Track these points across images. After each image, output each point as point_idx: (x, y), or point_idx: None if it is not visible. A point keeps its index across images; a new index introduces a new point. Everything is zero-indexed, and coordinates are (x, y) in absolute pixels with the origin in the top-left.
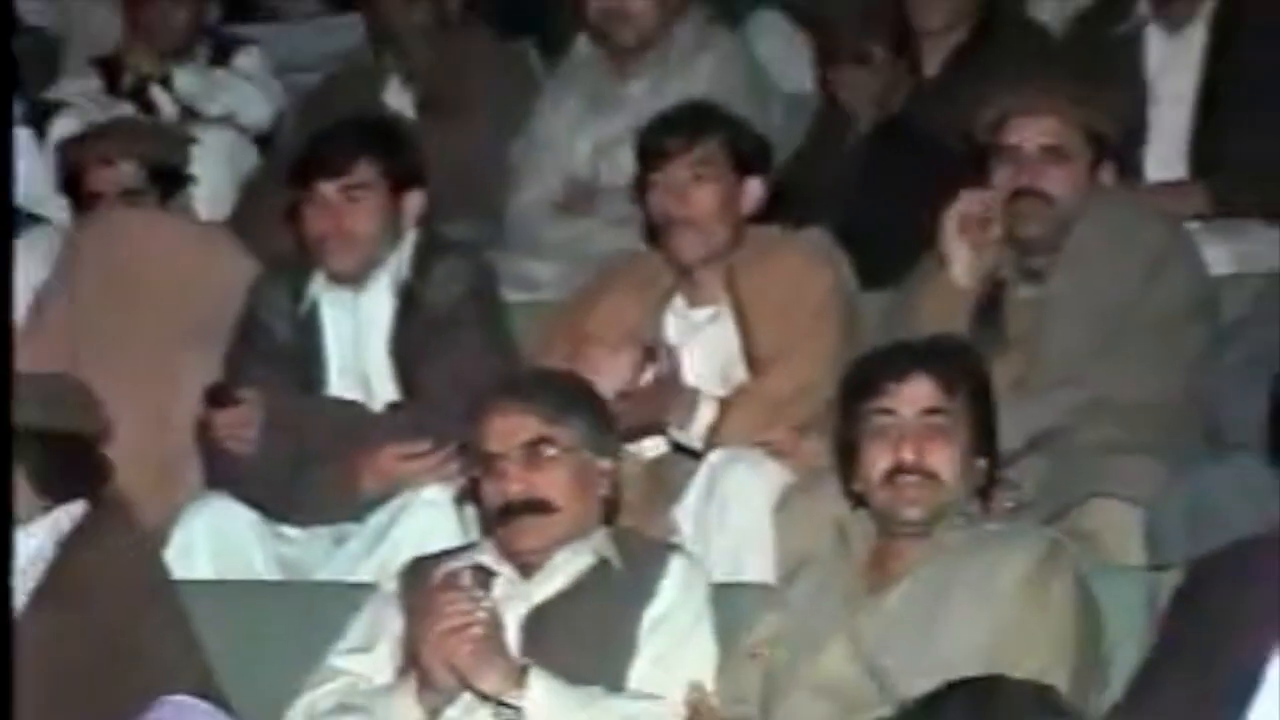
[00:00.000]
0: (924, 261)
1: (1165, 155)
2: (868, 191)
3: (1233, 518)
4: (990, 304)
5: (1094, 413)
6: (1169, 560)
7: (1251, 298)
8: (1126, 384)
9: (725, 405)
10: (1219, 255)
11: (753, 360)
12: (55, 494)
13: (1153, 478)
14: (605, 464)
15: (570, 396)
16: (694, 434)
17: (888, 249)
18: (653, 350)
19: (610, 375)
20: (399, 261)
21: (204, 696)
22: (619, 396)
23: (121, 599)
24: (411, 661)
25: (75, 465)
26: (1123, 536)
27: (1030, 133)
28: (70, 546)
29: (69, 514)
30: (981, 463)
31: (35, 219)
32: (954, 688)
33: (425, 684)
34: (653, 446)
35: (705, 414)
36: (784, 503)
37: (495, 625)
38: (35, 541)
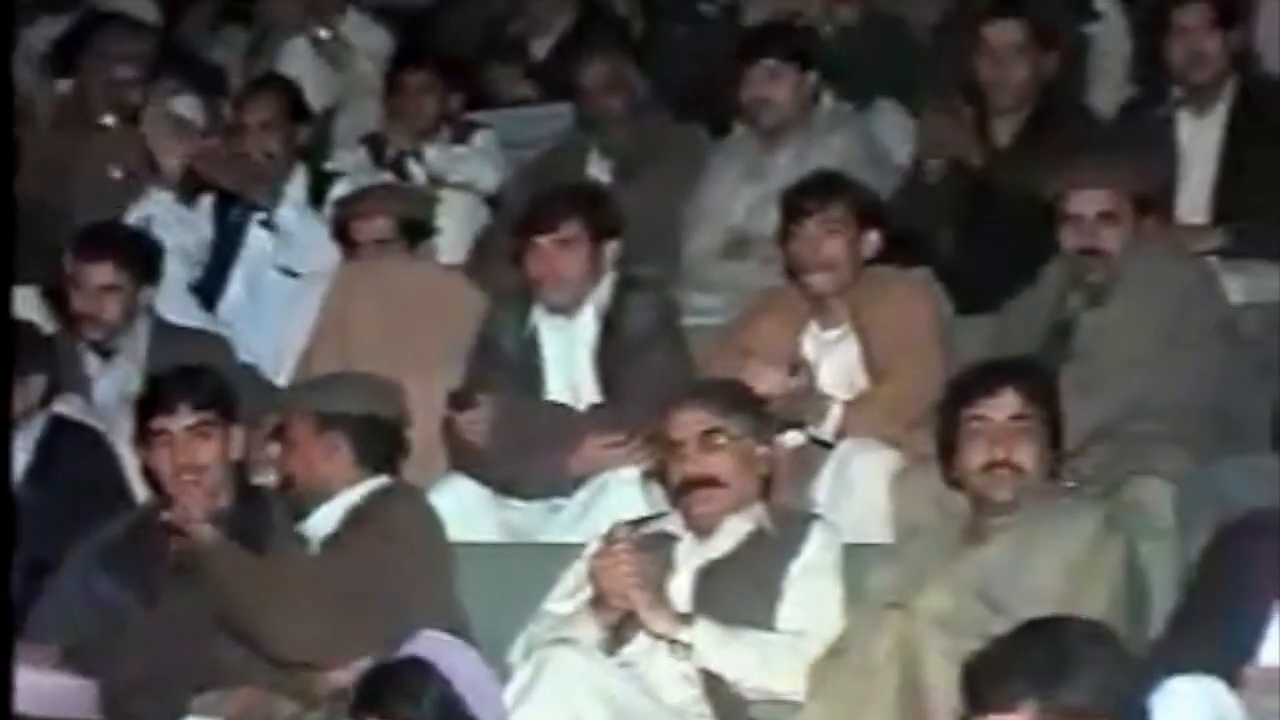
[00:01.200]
0: (1015, 294)
1: (1192, 208)
2: (962, 240)
3: (1246, 496)
4: (1062, 326)
5: (1139, 411)
6: (1196, 525)
7: (1259, 321)
8: (1164, 389)
9: (850, 407)
10: (1235, 287)
11: (872, 371)
12: (368, 465)
13: (1182, 461)
14: (763, 450)
15: (735, 397)
16: (826, 430)
17: (979, 285)
18: (795, 366)
19: (764, 383)
20: (601, 295)
21: (454, 634)
22: (771, 400)
23: (409, 553)
24: (597, 601)
25: (385, 443)
26: (1159, 506)
27: (1089, 203)
28: (373, 507)
29: (357, 492)
30: (1052, 454)
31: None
32: (1029, 627)
33: (604, 616)
34: (795, 438)
35: (834, 415)
36: (897, 481)
37: (659, 580)
38: (329, 509)
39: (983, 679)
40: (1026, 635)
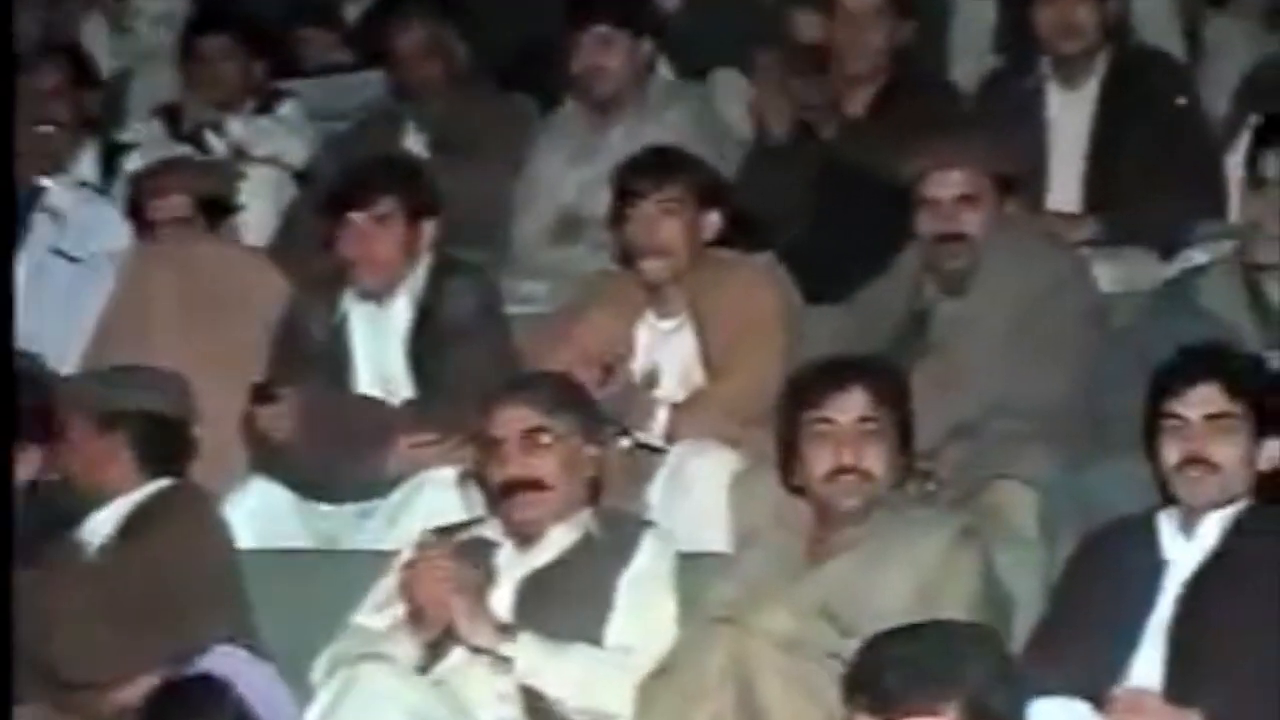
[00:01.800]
0: (868, 283)
1: (1062, 189)
2: (812, 223)
3: (1115, 502)
4: (918, 317)
5: (1000, 409)
6: (1058, 533)
7: (1133, 312)
8: (1028, 385)
9: (682, 408)
10: (1107, 275)
11: (709, 366)
12: (151, 466)
13: (1048, 463)
14: (592, 451)
15: (561, 392)
16: (653, 433)
17: (829, 272)
18: (609, 366)
19: (588, 379)
20: (416, 280)
21: (248, 648)
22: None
23: (193, 560)
24: (413, 614)
25: (169, 443)
26: (1021, 512)
27: (947, 185)
28: (152, 511)
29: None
30: (902, 458)
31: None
32: (920, 628)
33: (422, 632)
34: (628, 439)
35: (662, 417)
36: (736, 484)
37: (480, 589)
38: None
39: (892, 680)
40: (900, 634)
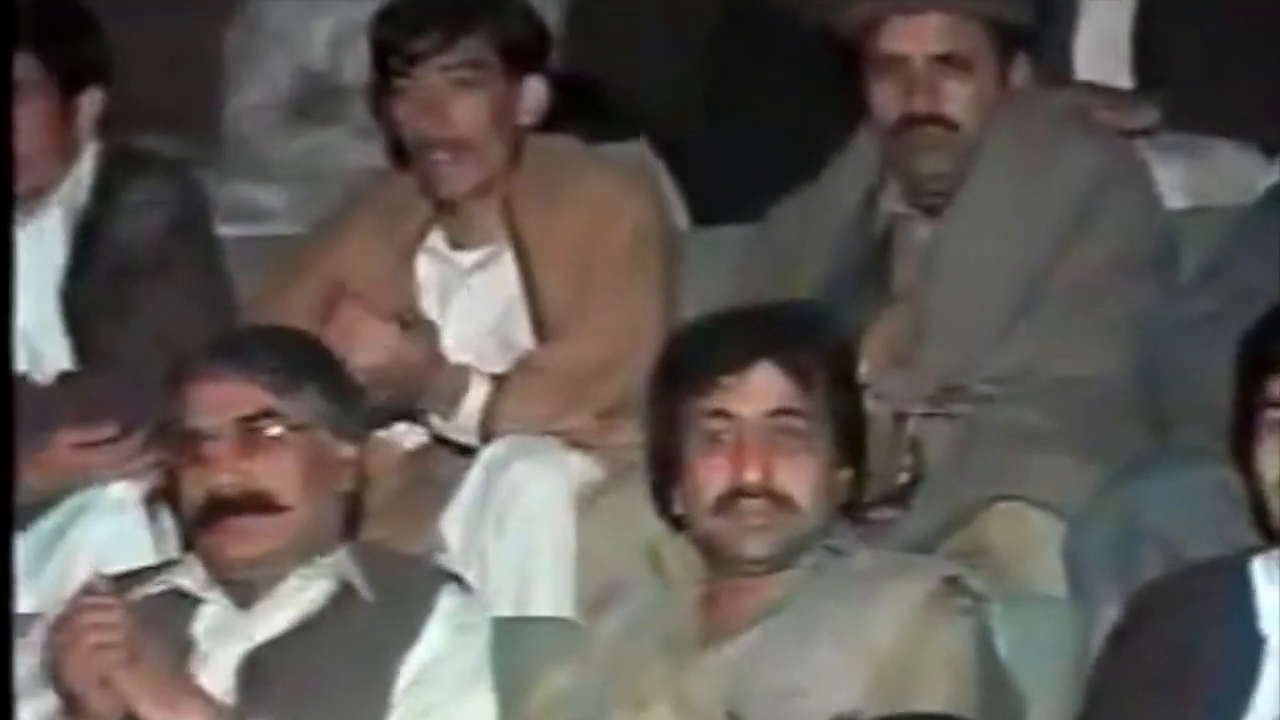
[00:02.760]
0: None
1: (1103, 52)
2: (712, 98)
3: (1179, 535)
4: (874, 247)
5: (1002, 390)
6: (1096, 588)
7: (1216, 239)
8: (1047, 355)
9: (503, 384)
10: (1176, 182)
11: (541, 321)
12: None
13: (1077, 477)
14: (348, 451)
15: (303, 360)
16: (461, 423)
17: (735, 174)
18: (407, 316)
19: (356, 341)
20: (75, 184)
21: None
22: (368, 371)
23: None
24: (68, 706)
25: None
26: (1036, 555)
27: (916, 39)
28: None
29: None
30: (846, 473)
31: None
32: None
33: None
34: (408, 432)
35: (476, 396)
36: (587, 513)
37: (175, 665)
38: None
39: None
40: None
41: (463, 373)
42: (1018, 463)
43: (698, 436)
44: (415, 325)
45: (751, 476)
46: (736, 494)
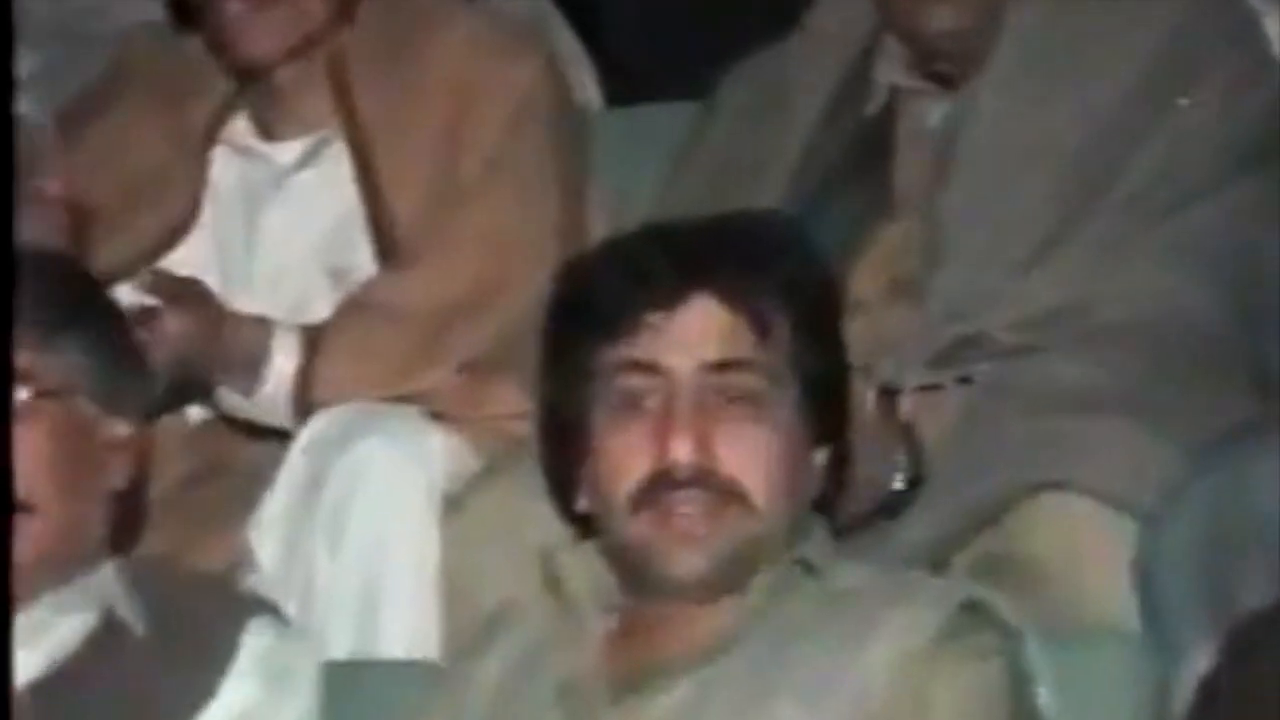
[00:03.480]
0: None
1: None
2: None
3: None
4: (865, 135)
5: (1039, 340)
6: (1179, 617)
7: None
8: (1103, 286)
9: (326, 332)
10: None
11: (386, 238)
12: None
13: (1151, 459)
14: (121, 430)
15: (67, 300)
16: (268, 398)
17: (672, 28)
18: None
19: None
20: None
21: None
22: (142, 315)
23: None
24: None
25: None
26: (1094, 569)
27: None
28: None
29: None
30: (822, 455)
31: None
32: None
33: None
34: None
35: (284, 360)
36: (454, 508)
37: None
38: None
39: None
40: None
41: (259, 329)
42: (1064, 436)
43: (610, 400)
44: (168, 287)
45: (682, 454)
46: (662, 480)
